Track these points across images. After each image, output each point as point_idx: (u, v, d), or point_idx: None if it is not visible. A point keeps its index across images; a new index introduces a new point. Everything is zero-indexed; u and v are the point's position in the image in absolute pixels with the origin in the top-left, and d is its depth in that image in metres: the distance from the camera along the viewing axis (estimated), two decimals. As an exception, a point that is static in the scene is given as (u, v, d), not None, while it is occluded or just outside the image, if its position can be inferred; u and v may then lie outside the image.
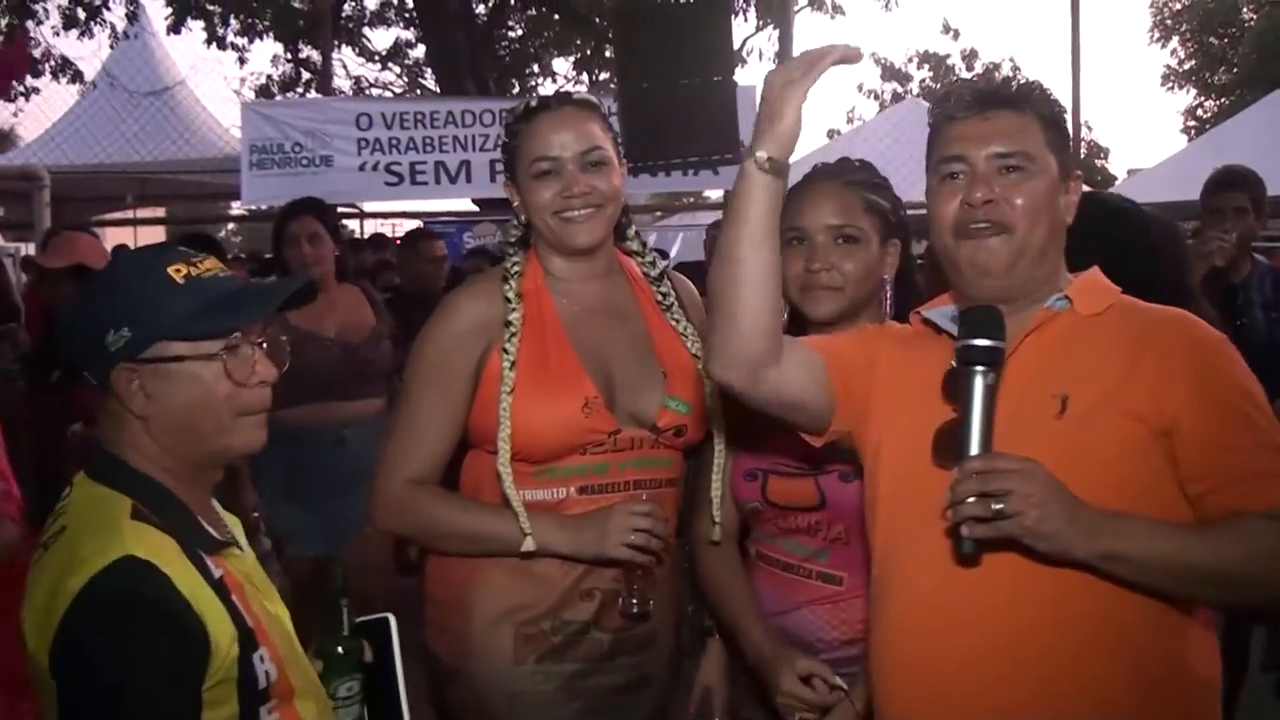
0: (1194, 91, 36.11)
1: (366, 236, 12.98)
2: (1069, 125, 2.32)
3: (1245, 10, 34.86)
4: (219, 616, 1.92)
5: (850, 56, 2.14)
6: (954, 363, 2.15)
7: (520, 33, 21.33)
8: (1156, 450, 2.09)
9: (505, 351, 2.74)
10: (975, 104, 2.25)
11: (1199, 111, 35.55)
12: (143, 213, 14.19)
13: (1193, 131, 33.05)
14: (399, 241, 9.76)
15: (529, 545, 2.68)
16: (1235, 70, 33.66)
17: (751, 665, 2.77)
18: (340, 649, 2.28)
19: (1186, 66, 36.20)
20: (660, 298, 2.94)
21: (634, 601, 2.74)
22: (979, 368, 2.08)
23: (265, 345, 2.10)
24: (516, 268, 2.86)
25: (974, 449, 2.04)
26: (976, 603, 2.12)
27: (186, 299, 2.00)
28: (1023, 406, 2.14)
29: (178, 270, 2.03)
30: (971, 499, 1.96)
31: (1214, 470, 2.08)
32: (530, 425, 2.71)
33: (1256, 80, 28.81)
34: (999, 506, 1.94)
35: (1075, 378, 2.15)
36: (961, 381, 2.10)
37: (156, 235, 13.36)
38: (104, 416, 2.07)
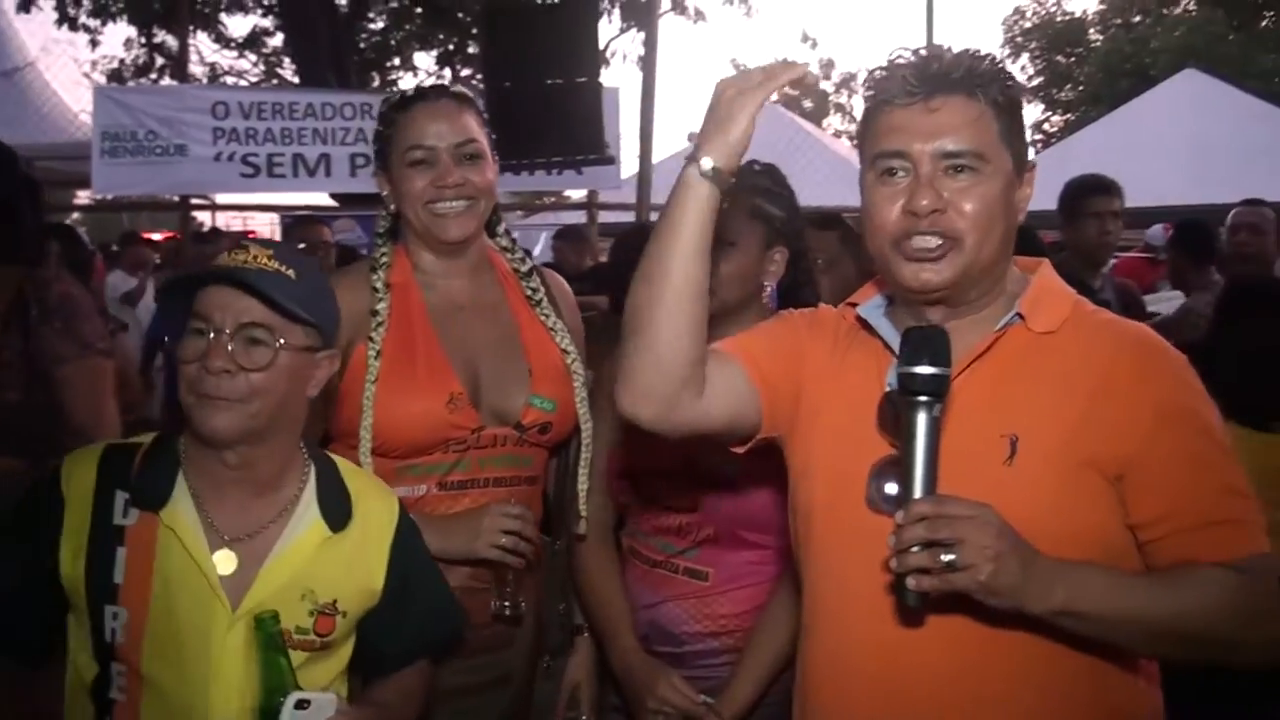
0: (1041, 107, 37.13)
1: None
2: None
3: (1091, 31, 36.02)
4: (80, 518, 2.17)
5: (810, 82, 2.04)
6: (890, 384, 1.98)
7: (382, 25, 21.04)
8: (1110, 496, 1.92)
9: (371, 340, 2.70)
10: (920, 88, 1.96)
11: (1045, 125, 36.54)
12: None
13: (1039, 144, 33.98)
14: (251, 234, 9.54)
15: None
16: (1081, 88, 34.68)
17: (619, 672, 2.79)
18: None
19: (1035, 82, 37.18)
20: (530, 293, 2.91)
21: (505, 604, 2.72)
22: (922, 398, 1.82)
23: (238, 337, 2.15)
24: (385, 259, 2.83)
25: (918, 490, 1.81)
26: (918, 656, 1.95)
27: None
28: (969, 444, 1.91)
29: (228, 254, 2.19)
30: (917, 548, 1.75)
31: (1168, 517, 1.91)
32: (394, 418, 2.68)
33: (1100, 98, 29.78)
34: (949, 558, 1.74)
35: (1027, 414, 1.93)
36: (903, 413, 1.85)
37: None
38: None
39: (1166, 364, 1.97)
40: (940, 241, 1.94)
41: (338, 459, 2.41)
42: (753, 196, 2.77)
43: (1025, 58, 37.32)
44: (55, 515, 2.18)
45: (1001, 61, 2.02)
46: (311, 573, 2.23)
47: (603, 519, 2.90)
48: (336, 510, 2.28)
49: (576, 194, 14.59)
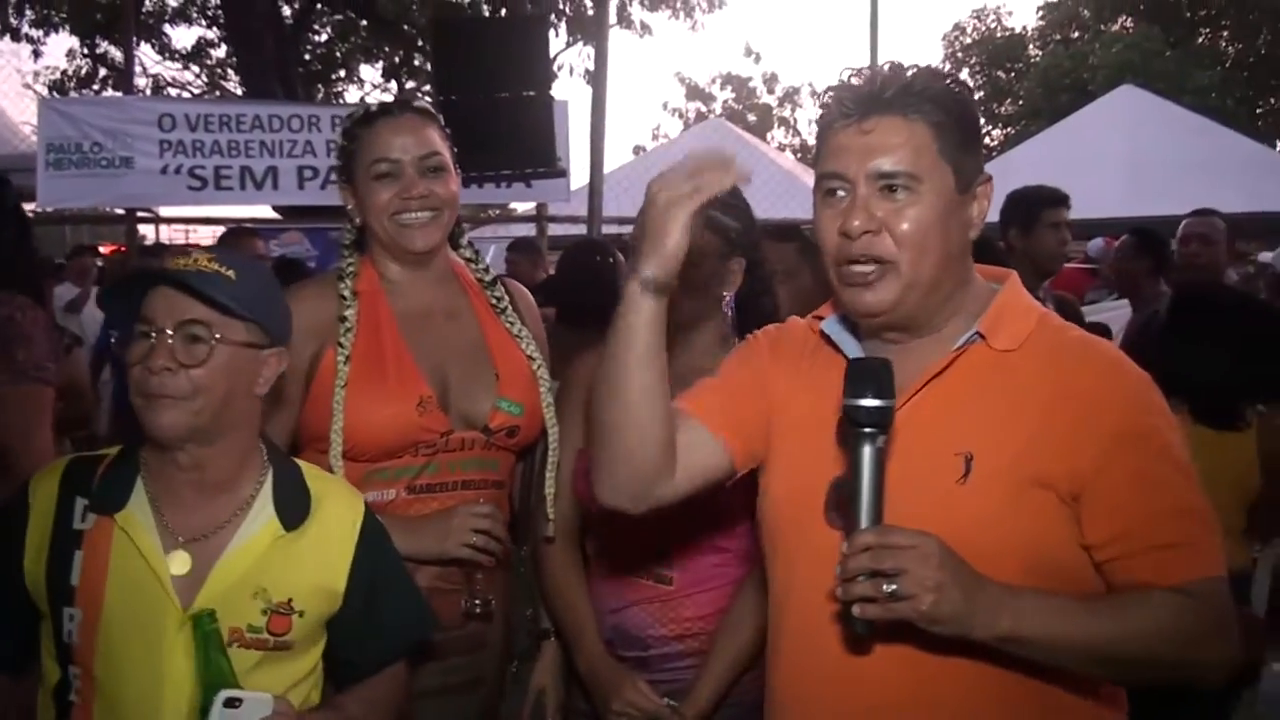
0: (982, 121, 37.50)
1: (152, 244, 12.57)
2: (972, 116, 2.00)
3: (1031, 47, 36.44)
4: (42, 525, 2.25)
5: (744, 176, 2.00)
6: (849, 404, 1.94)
7: (327, 37, 20.99)
8: (1065, 516, 1.91)
9: (340, 346, 2.74)
10: (854, 109, 1.95)
11: (986, 140, 36.88)
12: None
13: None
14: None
15: None
16: (1021, 102, 35.09)
17: (585, 676, 2.83)
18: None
19: (976, 97, 37.56)
20: (494, 302, 2.96)
21: (476, 602, 2.77)
22: (867, 430, 1.84)
23: (177, 335, 2.18)
24: (351, 268, 2.87)
25: (864, 520, 1.83)
26: (876, 675, 1.97)
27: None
28: (925, 463, 1.93)
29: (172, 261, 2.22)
30: (862, 578, 1.78)
31: (1119, 539, 1.90)
32: (364, 422, 2.71)
33: (1040, 112, 30.18)
34: (891, 588, 1.76)
35: (983, 432, 1.92)
36: (849, 444, 1.88)
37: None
38: None
39: (1128, 383, 1.95)
40: (874, 267, 1.95)
41: (305, 464, 2.44)
42: (707, 208, 2.79)
43: (965, 72, 37.71)
44: (21, 525, 2.26)
45: (950, 76, 2.00)
46: (264, 571, 2.26)
47: (568, 524, 2.94)
48: (292, 508, 2.31)
49: (523, 206, 14.60)
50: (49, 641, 2.25)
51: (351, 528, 2.38)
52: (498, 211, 18.38)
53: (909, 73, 1.98)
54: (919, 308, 1.98)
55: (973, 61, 37.75)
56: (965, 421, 1.94)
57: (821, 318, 2.19)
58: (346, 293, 2.81)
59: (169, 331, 2.16)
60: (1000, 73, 37.19)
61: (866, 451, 1.84)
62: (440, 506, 2.77)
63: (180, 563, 2.21)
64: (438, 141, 2.88)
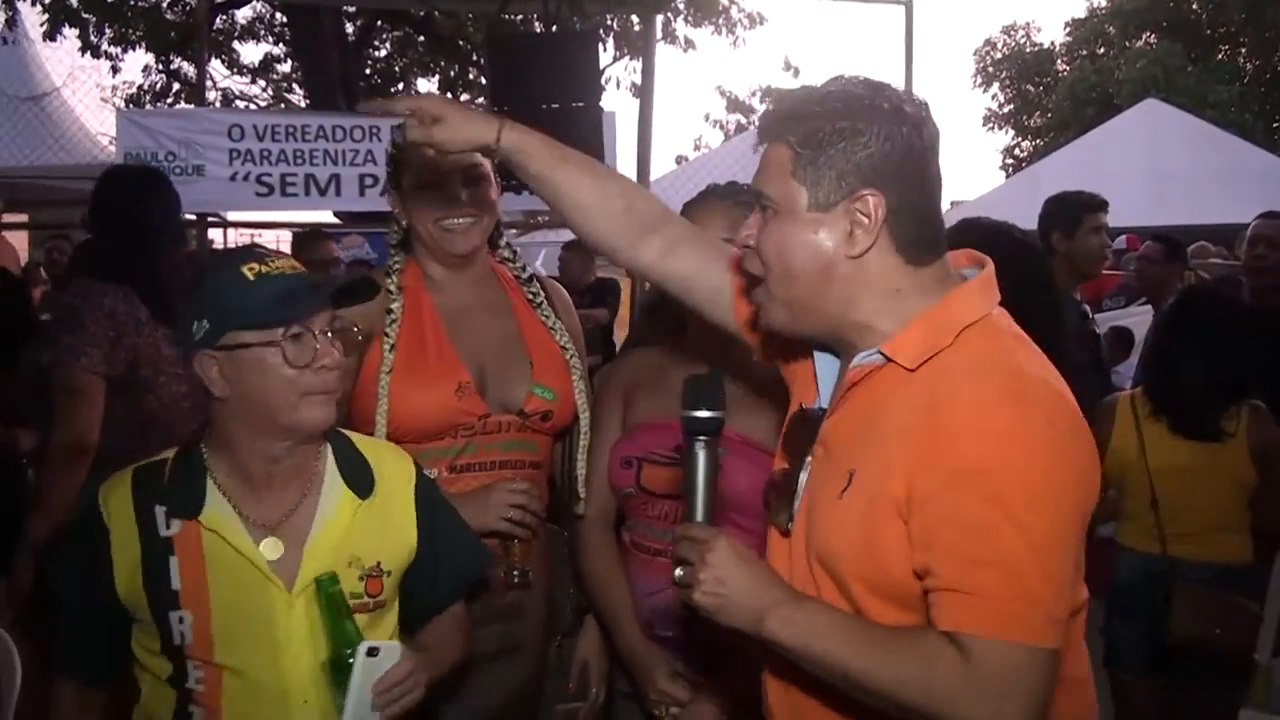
0: (1012, 133, 37.31)
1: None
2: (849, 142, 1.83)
3: (1059, 62, 36.21)
4: (127, 539, 2.26)
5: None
6: (803, 405, 2.05)
7: (387, 52, 21.12)
8: (905, 540, 1.78)
9: (386, 336, 2.85)
10: (758, 136, 1.97)
11: (1016, 151, 36.73)
12: (9, 218, 13.73)
13: (1010, 169, 34.15)
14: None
15: None
16: (1049, 114, 34.85)
17: (624, 658, 2.87)
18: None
19: (1006, 110, 37.36)
20: (530, 297, 3.07)
21: (515, 572, 2.86)
22: (701, 437, 1.97)
23: (331, 334, 2.26)
24: (397, 265, 3.00)
25: (697, 514, 1.96)
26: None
27: (256, 293, 2.19)
28: (827, 475, 1.91)
29: (250, 269, 2.21)
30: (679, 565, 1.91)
31: (927, 572, 1.76)
32: (407, 406, 2.81)
33: (1068, 124, 29.96)
34: (679, 574, 1.89)
35: (867, 451, 1.84)
36: (686, 448, 1.99)
37: (19, 239, 12.87)
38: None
39: (998, 423, 1.72)
40: (759, 286, 1.96)
41: (350, 433, 2.51)
42: (749, 211, 2.80)
43: (996, 86, 37.53)
44: (104, 544, 2.28)
45: (823, 99, 1.87)
46: (351, 540, 2.33)
47: (604, 508, 2.98)
48: (360, 479, 2.39)
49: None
50: (151, 643, 2.28)
51: (408, 483, 2.48)
52: (546, 218, 18.48)
53: (785, 98, 1.93)
54: (810, 326, 1.94)
55: (1003, 76, 37.49)
56: (859, 439, 1.87)
57: None
58: (393, 288, 2.92)
59: (327, 333, 2.25)
60: (1029, 86, 36.91)
61: (701, 454, 1.98)
62: (479, 484, 2.87)
63: (272, 548, 2.26)
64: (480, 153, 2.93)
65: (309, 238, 8.14)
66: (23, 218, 14.53)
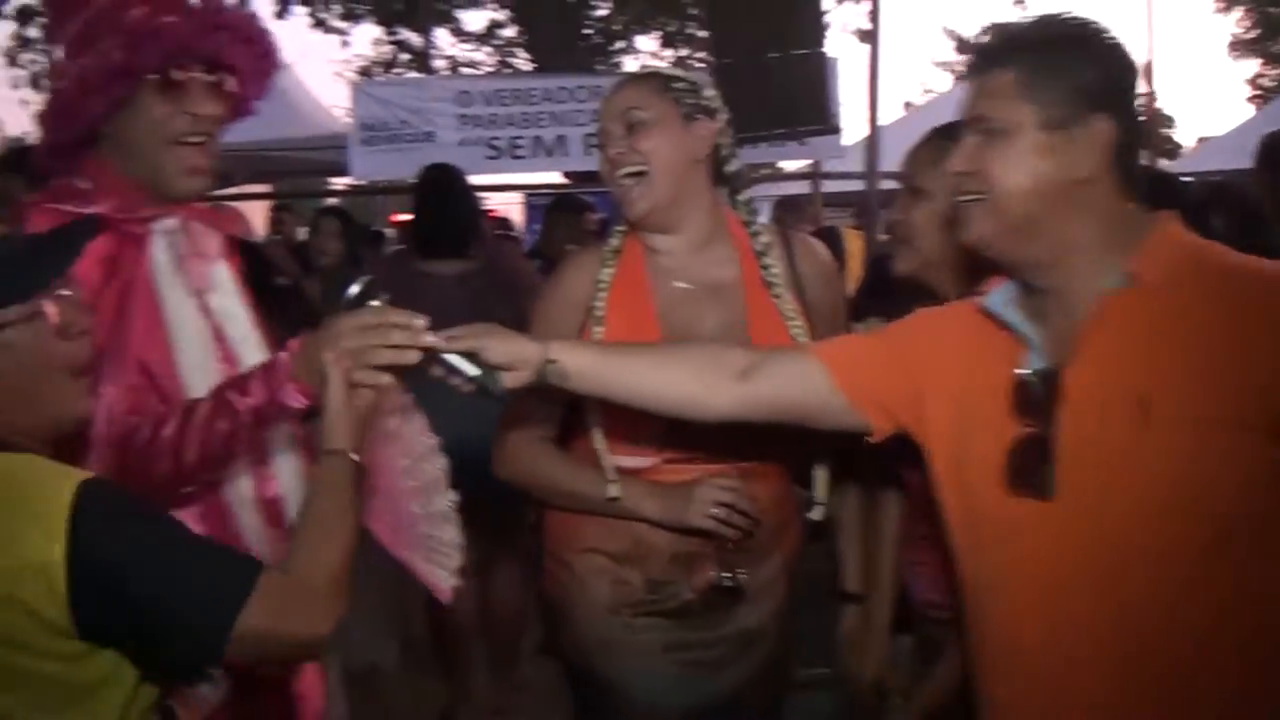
0: (1259, 60, 35.23)
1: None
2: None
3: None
4: None
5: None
6: (1022, 370, 1.91)
7: (606, 12, 21.24)
8: (1256, 453, 1.74)
9: (593, 307, 2.65)
10: (979, 62, 1.98)
11: (1262, 80, 34.67)
12: (252, 188, 14.32)
13: (1260, 99, 32.24)
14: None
15: (613, 491, 2.61)
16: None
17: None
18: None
19: (1250, 36, 35.29)
20: (764, 272, 2.69)
21: (725, 575, 2.65)
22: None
23: (71, 296, 1.86)
24: (619, 233, 2.74)
25: None
26: (1085, 638, 1.84)
27: None
28: (1095, 420, 1.81)
29: None
30: None
31: None
32: None
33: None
34: None
35: (1164, 373, 1.78)
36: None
37: (257, 211, 13.42)
38: None
39: None
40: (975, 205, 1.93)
41: None
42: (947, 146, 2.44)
43: (1239, 10, 35.47)
44: None
45: (1046, 26, 1.92)
46: None
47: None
48: None
49: (790, 165, 14.46)
50: None
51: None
52: (767, 170, 18.33)
53: (1015, 25, 1.98)
54: (1027, 253, 1.90)
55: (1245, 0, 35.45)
56: (1144, 363, 1.79)
57: (980, 295, 2.04)
58: (608, 254, 2.71)
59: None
60: (1273, 8, 34.74)
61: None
62: (692, 477, 2.63)
63: None
64: (639, 97, 2.64)
65: (564, 204, 7.93)
66: (265, 188, 15.17)
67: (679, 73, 2.85)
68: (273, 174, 13.69)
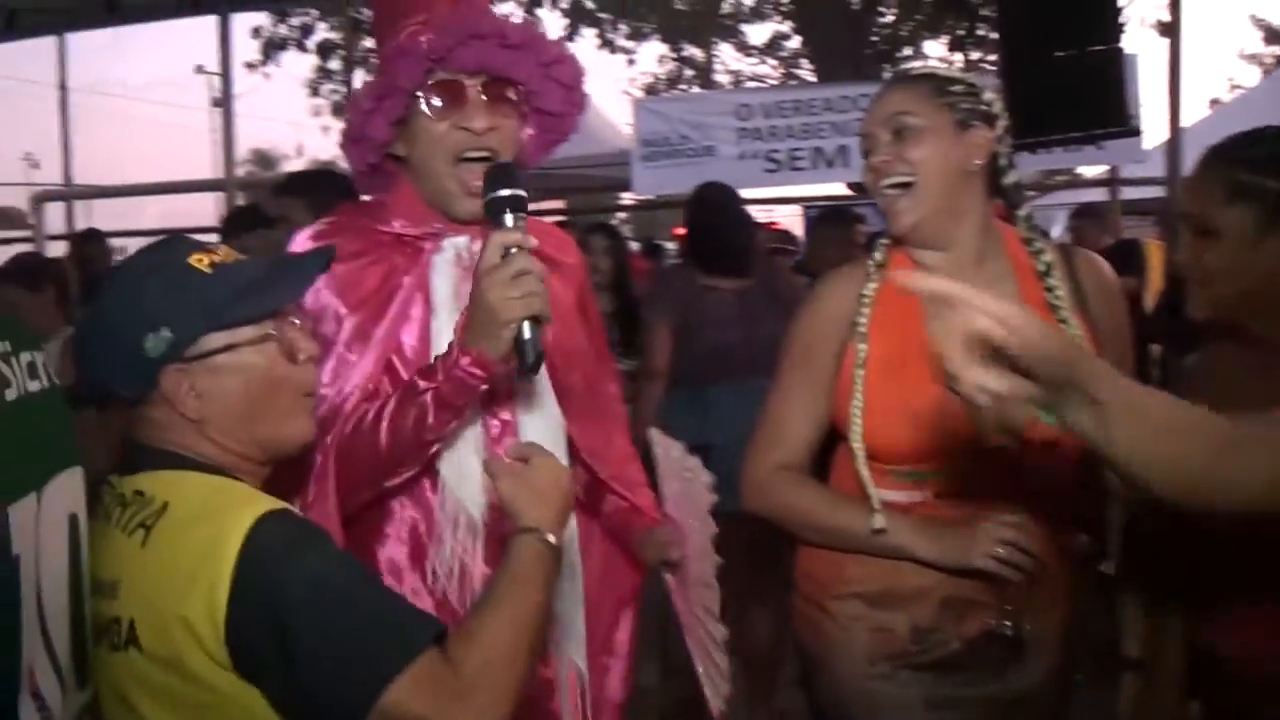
0: None
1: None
2: None
3: None
4: None
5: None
6: None
7: (892, 18, 20.89)
8: None
9: (856, 323, 2.44)
10: None
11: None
12: (547, 204, 14.73)
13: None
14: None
15: (878, 523, 2.39)
16: None
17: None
18: None
19: None
20: (1048, 295, 2.43)
21: (1006, 624, 2.41)
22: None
23: (300, 323, 1.89)
24: (884, 243, 2.52)
25: None
26: None
27: (220, 287, 1.79)
28: None
29: (199, 260, 1.80)
30: None
31: None
32: (882, 425, 2.40)
33: None
34: None
35: None
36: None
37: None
38: (145, 428, 1.82)
39: None
40: None
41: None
42: (1237, 173, 2.22)
43: None
44: None
45: None
46: None
47: None
48: None
49: (1089, 170, 13.79)
50: None
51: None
52: (1064, 177, 17.61)
53: None
54: None
55: None
56: None
57: None
58: (872, 268, 2.48)
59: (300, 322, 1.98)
60: None
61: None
62: (970, 514, 2.38)
63: None
64: (904, 103, 2.41)
65: (831, 216, 7.84)
66: (559, 204, 15.58)
67: (956, 74, 2.56)
68: (561, 191, 14.03)
